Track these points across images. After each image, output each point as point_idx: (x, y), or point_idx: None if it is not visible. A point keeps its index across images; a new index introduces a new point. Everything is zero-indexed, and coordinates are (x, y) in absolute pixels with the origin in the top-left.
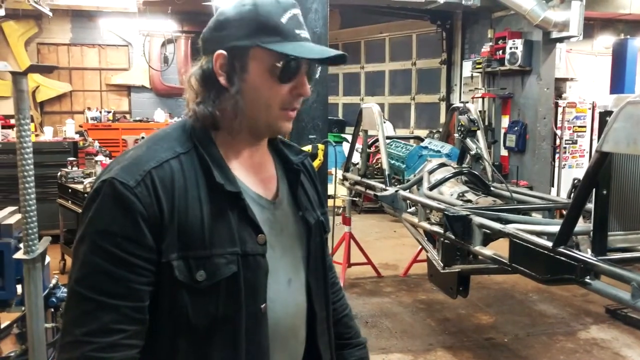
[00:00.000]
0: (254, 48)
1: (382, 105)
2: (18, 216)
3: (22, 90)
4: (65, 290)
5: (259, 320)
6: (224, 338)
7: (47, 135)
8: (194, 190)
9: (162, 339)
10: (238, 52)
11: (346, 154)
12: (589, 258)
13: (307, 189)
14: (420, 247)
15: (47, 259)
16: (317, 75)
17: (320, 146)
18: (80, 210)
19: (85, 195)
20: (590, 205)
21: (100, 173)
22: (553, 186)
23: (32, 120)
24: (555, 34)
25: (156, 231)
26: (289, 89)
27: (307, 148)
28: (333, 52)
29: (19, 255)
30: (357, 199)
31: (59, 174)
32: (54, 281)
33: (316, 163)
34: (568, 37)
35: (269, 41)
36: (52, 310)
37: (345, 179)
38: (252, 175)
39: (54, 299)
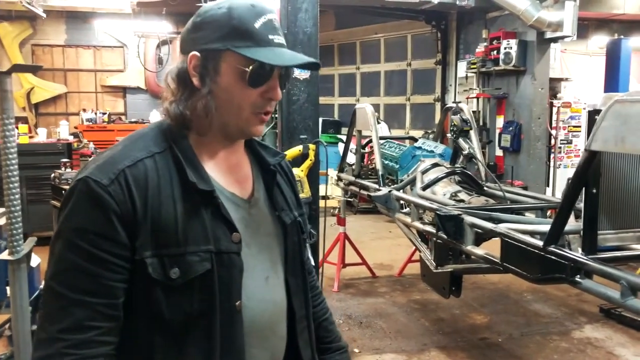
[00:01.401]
0: (226, 52)
1: (377, 106)
2: None
3: (6, 90)
4: None
5: (233, 316)
6: (199, 334)
7: (41, 136)
8: (168, 188)
9: (138, 335)
10: (211, 54)
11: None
12: (579, 257)
13: (284, 190)
14: (415, 247)
15: (38, 260)
16: (289, 79)
17: (311, 146)
18: None
19: None
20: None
21: (78, 172)
22: (548, 186)
23: (27, 122)
24: (549, 34)
25: (130, 229)
26: (260, 92)
27: (298, 148)
28: (304, 59)
29: (3, 256)
30: (352, 200)
31: (52, 175)
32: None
33: (307, 163)
34: (562, 37)
35: (241, 46)
36: None
37: (339, 179)
38: (227, 176)
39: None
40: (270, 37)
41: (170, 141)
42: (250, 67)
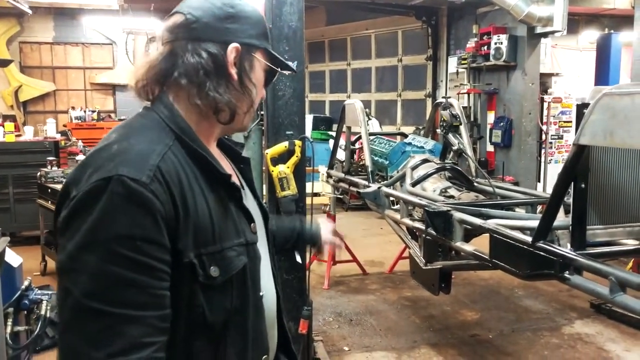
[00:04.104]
0: (261, 50)
1: (368, 102)
2: None
3: None
4: (39, 292)
5: (259, 308)
6: (234, 332)
7: (28, 134)
8: (195, 183)
9: (178, 344)
10: (250, 49)
11: None
12: (567, 253)
13: (253, 179)
14: (405, 244)
15: (19, 260)
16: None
17: (298, 142)
18: None
19: None
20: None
21: (85, 171)
22: (539, 181)
23: (15, 120)
24: (539, 29)
25: (172, 230)
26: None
27: (284, 144)
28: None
29: None
30: (343, 197)
31: (38, 174)
32: (26, 283)
33: (293, 160)
34: (552, 32)
35: (269, 46)
36: (26, 312)
37: (329, 176)
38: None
39: (26, 302)
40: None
41: (175, 132)
42: (275, 68)
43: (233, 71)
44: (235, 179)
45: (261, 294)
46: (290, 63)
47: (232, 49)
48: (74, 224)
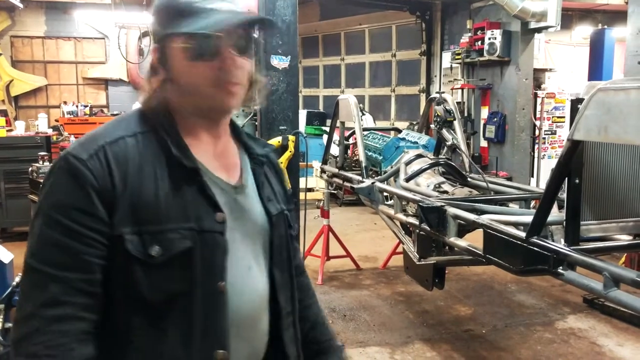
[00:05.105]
0: (170, 36)
1: (362, 97)
2: None
3: None
4: None
5: (216, 298)
6: (178, 315)
7: (19, 129)
8: (150, 166)
9: (117, 316)
10: (161, 43)
11: None
12: (561, 248)
13: (272, 182)
14: (398, 239)
15: (10, 256)
16: (250, 43)
17: (291, 137)
18: None
19: None
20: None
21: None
22: (533, 177)
23: (6, 115)
24: (533, 24)
25: (108, 204)
26: (214, 65)
27: (278, 139)
28: (243, 17)
29: None
30: (337, 192)
31: (30, 169)
32: (17, 279)
33: (287, 155)
34: (546, 28)
35: (181, 24)
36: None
37: (323, 171)
38: (214, 161)
39: (17, 297)
40: (210, 5)
41: (154, 123)
42: (191, 42)
43: (161, 70)
44: (219, 172)
45: (222, 284)
46: (206, 24)
47: (152, 50)
48: (39, 194)
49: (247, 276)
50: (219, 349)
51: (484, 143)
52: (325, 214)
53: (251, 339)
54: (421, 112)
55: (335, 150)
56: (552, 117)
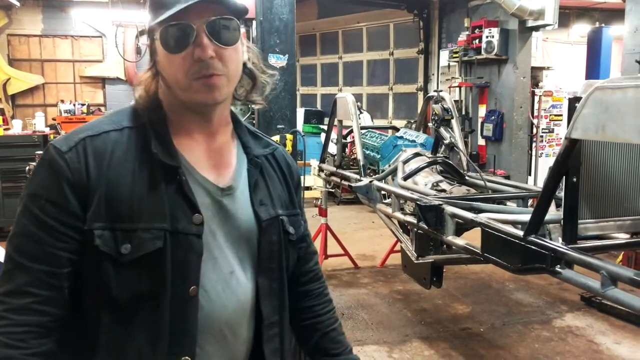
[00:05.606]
0: (152, 30)
1: (360, 96)
2: None
3: None
4: None
5: (186, 303)
6: (146, 316)
7: (16, 128)
8: (131, 163)
9: (87, 312)
10: (150, 36)
11: None
12: (559, 247)
13: (271, 185)
14: (396, 238)
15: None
16: (226, 32)
17: (289, 136)
18: None
19: None
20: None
21: None
22: (530, 175)
23: (3, 114)
24: (531, 23)
25: (82, 197)
26: (186, 56)
27: (275, 139)
28: None
29: None
30: (335, 190)
31: (27, 168)
32: None
33: None
34: (544, 26)
35: (157, 16)
36: None
37: (321, 170)
38: (204, 160)
39: None
40: None
41: (145, 117)
42: (159, 33)
43: (152, 64)
44: (208, 172)
45: (194, 288)
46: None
47: (147, 45)
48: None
49: (227, 282)
50: (185, 355)
51: (481, 141)
52: (323, 213)
53: (229, 348)
54: (419, 111)
55: (333, 148)
56: (550, 115)
